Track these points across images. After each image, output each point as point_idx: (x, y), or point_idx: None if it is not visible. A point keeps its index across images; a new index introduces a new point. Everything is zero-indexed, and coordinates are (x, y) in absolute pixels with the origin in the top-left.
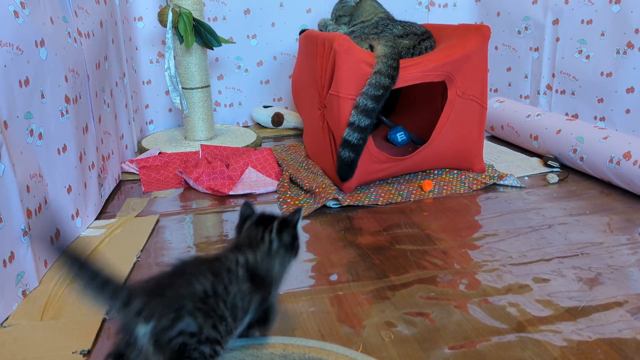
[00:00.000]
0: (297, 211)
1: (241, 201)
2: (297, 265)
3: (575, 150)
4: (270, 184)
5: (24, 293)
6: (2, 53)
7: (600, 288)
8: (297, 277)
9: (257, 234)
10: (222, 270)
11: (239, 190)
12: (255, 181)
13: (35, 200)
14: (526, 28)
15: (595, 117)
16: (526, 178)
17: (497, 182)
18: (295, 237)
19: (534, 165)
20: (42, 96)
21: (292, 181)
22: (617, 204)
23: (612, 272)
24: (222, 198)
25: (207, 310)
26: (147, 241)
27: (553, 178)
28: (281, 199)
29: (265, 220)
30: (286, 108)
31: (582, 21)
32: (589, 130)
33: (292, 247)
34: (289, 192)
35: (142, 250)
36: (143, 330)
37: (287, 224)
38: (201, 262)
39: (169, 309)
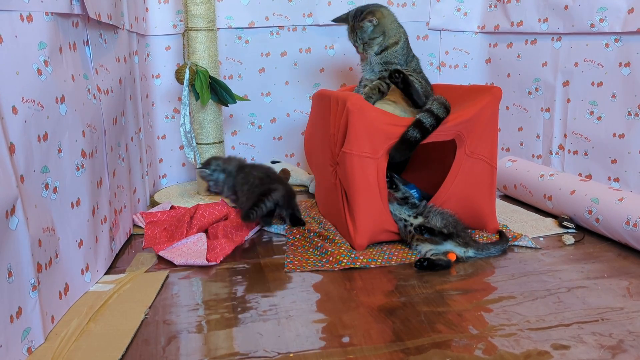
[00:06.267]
0: None
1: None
2: (307, 325)
3: (590, 212)
4: (205, 261)
5: (29, 350)
6: (24, 109)
7: (623, 356)
8: (308, 338)
9: None
10: None
11: (165, 254)
12: (193, 250)
13: (46, 254)
14: (537, 89)
15: (610, 178)
16: (541, 239)
17: (512, 243)
18: None
19: (549, 226)
20: (60, 150)
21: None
22: (636, 268)
23: (634, 339)
24: (232, 254)
25: None
26: (155, 298)
27: (569, 239)
28: (288, 260)
29: None
30: (298, 164)
31: (593, 83)
32: (604, 191)
33: None
34: (299, 250)
35: (150, 307)
36: None
37: None
38: None
39: None
